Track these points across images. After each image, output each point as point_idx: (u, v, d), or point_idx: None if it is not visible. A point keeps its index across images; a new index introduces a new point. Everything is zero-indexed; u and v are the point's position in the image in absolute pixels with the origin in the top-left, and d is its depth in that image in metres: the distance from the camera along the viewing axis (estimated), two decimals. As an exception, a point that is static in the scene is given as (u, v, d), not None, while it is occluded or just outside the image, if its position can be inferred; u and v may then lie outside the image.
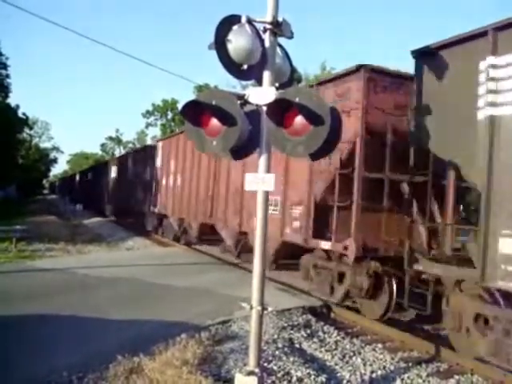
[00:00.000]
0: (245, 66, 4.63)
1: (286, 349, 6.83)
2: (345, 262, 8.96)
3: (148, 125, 77.12)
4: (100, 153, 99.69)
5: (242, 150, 4.80)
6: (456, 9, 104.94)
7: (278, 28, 4.67)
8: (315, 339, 7.49)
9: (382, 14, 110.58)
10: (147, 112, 75.42)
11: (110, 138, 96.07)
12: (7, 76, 41.96)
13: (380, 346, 7.49)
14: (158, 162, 21.03)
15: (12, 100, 44.93)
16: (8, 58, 41.65)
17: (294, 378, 5.86)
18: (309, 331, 7.81)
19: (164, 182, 20.27)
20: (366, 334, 8.24)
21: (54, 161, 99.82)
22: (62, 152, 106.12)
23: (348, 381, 6.09)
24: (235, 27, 4.54)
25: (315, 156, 4.57)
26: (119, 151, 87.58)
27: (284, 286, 10.84)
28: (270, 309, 4.87)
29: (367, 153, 8.39)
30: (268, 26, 4.63)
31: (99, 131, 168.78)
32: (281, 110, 4.41)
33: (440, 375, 6.48)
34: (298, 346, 7.17)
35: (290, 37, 4.85)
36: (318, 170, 9.30)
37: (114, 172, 32.89)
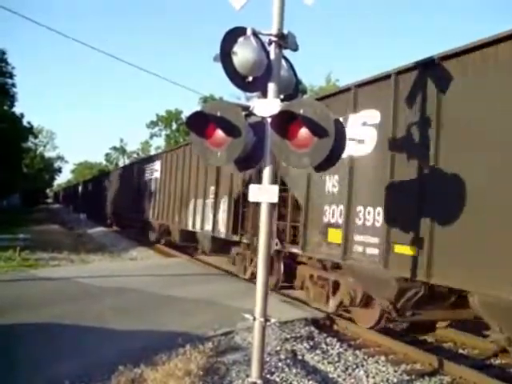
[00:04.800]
0: (250, 78, 4.66)
1: (288, 360, 6.81)
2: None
3: (152, 135, 77.58)
4: (104, 162, 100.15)
5: (246, 162, 4.82)
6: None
7: (284, 40, 4.70)
8: (318, 351, 7.45)
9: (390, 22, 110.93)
10: (151, 122, 75.89)
11: (115, 148, 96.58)
12: (13, 85, 42.26)
13: (383, 358, 7.45)
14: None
15: (17, 109, 45.21)
16: (14, 68, 41.98)
17: (297, 390, 5.84)
18: (311, 343, 7.78)
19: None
20: (368, 346, 8.21)
21: (59, 170, 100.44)
22: (67, 161, 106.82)
23: (351, 393, 6.08)
24: (241, 39, 4.57)
25: (320, 168, 4.58)
26: (123, 161, 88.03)
27: (287, 297, 10.86)
28: (272, 320, 4.86)
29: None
30: (273, 39, 4.66)
31: (104, 141, 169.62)
32: (285, 122, 4.42)
33: (443, 388, 6.46)
34: (300, 357, 7.14)
35: (295, 49, 4.88)
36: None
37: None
